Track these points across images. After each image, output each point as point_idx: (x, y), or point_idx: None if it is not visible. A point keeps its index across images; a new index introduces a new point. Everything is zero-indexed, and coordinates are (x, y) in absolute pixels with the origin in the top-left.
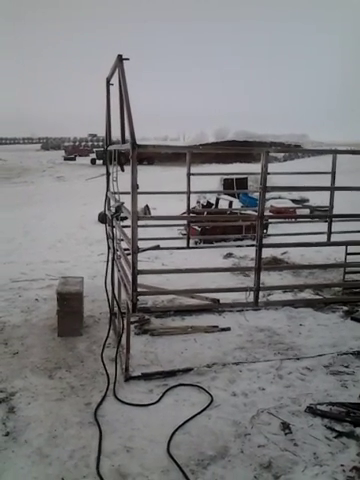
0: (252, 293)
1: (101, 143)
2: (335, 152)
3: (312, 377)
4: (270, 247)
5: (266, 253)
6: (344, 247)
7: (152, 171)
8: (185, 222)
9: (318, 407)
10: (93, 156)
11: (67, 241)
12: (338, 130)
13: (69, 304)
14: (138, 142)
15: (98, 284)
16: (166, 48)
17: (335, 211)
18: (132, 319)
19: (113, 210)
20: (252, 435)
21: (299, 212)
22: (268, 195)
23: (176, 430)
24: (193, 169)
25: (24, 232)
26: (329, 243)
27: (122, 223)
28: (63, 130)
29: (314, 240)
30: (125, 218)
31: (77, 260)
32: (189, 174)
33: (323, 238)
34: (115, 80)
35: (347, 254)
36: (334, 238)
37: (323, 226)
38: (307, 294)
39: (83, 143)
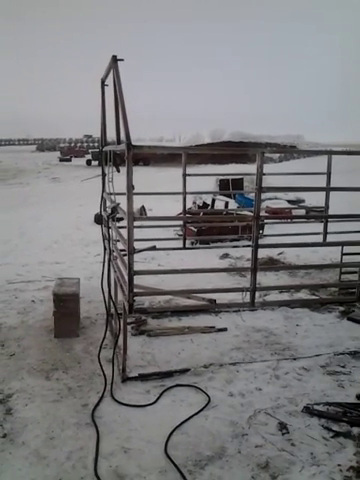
0: (248, 293)
1: (97, 144)
2: (330, 153)
3: (309, 377)
4: (266, 247)
5: (262, 253)
6: (340, 247)
7: (148, 172)
8: (181, 223)
9: (315, 407)
10: (89, 157)
11: (63, 242)
12: (338, 130)
13: (65, 305)
14: (133, 143)
15: (94, 285)
16: (166, 48)
17: (333, 211)
18: (129, 320)
19: (109, 211)
20: (249, 435)
21: (295, 213)
22: (264, 196)
23: (173, 431)
24: (189, 170)
25: (20, 233)
26: (325, 243)
27: (118, 224)
28: (58, 131)
29: (310, 240)
30: (121, 219)
31: (73, 261)
32: (185, 175)
33: (319, 238)
34: (110, 81)
35: (343, 254)
36: (330, 238)
37: (319, 226)
38: (303, 294)
39: (78, 144)
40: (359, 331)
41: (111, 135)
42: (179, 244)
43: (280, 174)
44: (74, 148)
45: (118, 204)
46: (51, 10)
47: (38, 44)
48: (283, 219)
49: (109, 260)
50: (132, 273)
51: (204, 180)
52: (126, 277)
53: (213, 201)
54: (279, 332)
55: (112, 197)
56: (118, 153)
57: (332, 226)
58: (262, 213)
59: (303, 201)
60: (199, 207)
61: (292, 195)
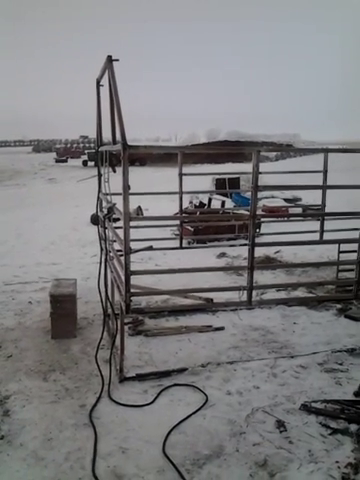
0: (245, 292)
1: (93, 145)
2: (326, 151)
3: (306, 375)
4: (263, 246)
5: (259, 252)
6: (337, 245)
7: (144, 172)
8: (178, 222)
9: (312, 405)
10: (85, 158)
11: (60, 243)
12: (338, 130)
13: (62, 306)
14: (129, 143)
15: (91, 286)
16: (166, 48)
17: (332, 210)
18: (126, 320)
19: (105, 211)
20: (247, 434)
21: (291, 211)
22: (260, 194)
23: (171, 430)
24: (185, 169)
25: (16, 235)
26: (322, 241)
27: (114, 224)
28: (54, 132)
29: (307, 239)
30: (117, 219)
31: (70, 262)
32: (181, 174)
33: (316, 237)
34: (106, 81)
35: (340, 252)
36: (327, 236)
37: (316, 225)
38: (300, 292)
39: (74, 145)
40: (356, 328)
41: (107, 135)
42: (176, 244)
43: (276, 173)
44: (70, 149)
45: (114, 204)
46: (51, 10)
47: (38, 44)
48: (280, 218)
49: (106, 260)
50: (129, 273)
51: (200, 180)
52: (123, 277)
53: (210, 200)
54: (276, 330)
55: (108, 197)
56: (114, 153)
57: (329, 224)
58: (259, 212)
59: (300, 199)
60: (196, 206)
61: (289, 193)
